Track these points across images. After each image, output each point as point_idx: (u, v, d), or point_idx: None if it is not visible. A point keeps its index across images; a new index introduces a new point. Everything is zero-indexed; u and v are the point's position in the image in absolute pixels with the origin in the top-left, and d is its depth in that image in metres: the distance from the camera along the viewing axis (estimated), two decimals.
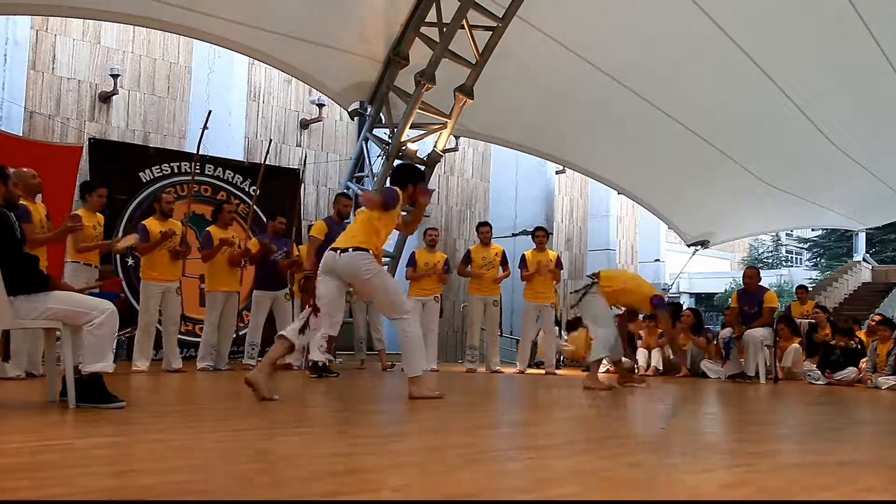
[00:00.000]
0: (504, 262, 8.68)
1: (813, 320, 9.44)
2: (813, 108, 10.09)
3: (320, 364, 6.42)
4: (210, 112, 7.93)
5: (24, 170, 5.47)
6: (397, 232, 6.01)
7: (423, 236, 8.91)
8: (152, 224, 6.83)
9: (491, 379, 7.58)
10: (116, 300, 4.55)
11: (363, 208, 4.75)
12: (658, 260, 20.00)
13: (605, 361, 9.61)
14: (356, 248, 4.53)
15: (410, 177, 4.91)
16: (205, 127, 7.59)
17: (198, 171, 9.16)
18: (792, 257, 35.78)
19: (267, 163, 8.58)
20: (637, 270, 17.95)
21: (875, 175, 11.86)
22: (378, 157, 10.08)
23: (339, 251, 4.56)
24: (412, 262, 8.39)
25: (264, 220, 8.96)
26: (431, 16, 8.98)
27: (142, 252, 6.90)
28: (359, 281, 4.61)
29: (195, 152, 7.92)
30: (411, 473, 2.36)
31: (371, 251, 4.59)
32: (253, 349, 7.71)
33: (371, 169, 10.13)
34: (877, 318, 8.80)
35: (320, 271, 4.65)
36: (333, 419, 4.09)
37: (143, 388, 5.44)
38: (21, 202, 5.20)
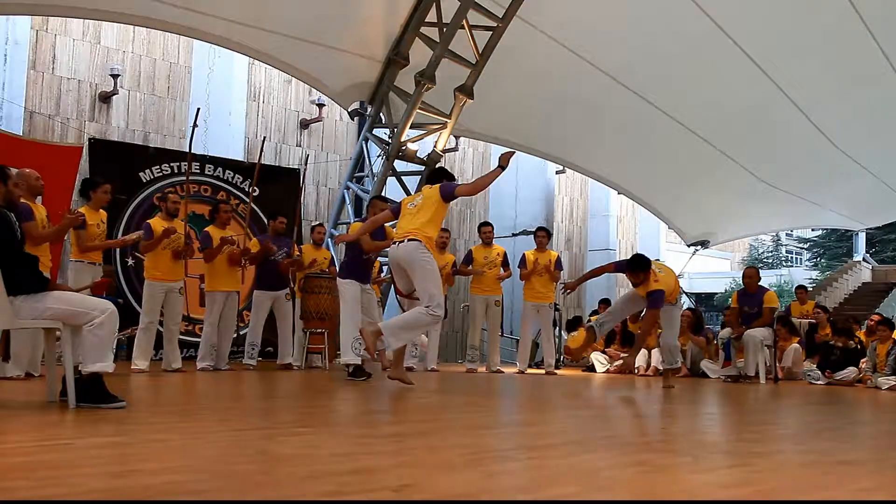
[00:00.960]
0: (505, 262, 8.69)
1: (813, 320, 9.45)
2: (813, 108, 10.09)
3: (352, 366, 6.34)
4: (199, 109, 7.89)
5: (27, 171, 5.53)
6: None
7: None
8: (157, 223, 6.84)
9: (491, 379, 7.58)
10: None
11: (430, 196, 5.40)
12: (658, 260, 19.98)
13: (600, 360, 9.66)
14: (411, 239, 5.22)
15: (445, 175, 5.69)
16: (195, 124, 7.56)
17: (197, 170, 9.17)
18: (792, 257, 35.78)
19: (267, 163, 8.57)
20: None
21: (875, 175, 11.86)
22: (378, 157, 10.08)
23: (397, 243, 5.27)
24: None
25: (264, 219, 8.96)
26: (431, 16, 8.98)
27: (144, 250, 6.90)
28: (411, 268, 5.26)
29: (188, 150, 7.90)
30: (411, 473, 2.36)
31: (424, 241, 5.22)
32: (253, 349, 7.71)
33: (371, 169, 10.13)
34: (876, 317, 8.81)
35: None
36: (333, 419, 4.09)
37: (143, 387, 5.44)
38: (22, 201, 5.22)
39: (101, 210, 6.48)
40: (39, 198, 5.72)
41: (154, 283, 6.81)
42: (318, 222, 10.15)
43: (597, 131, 11.02)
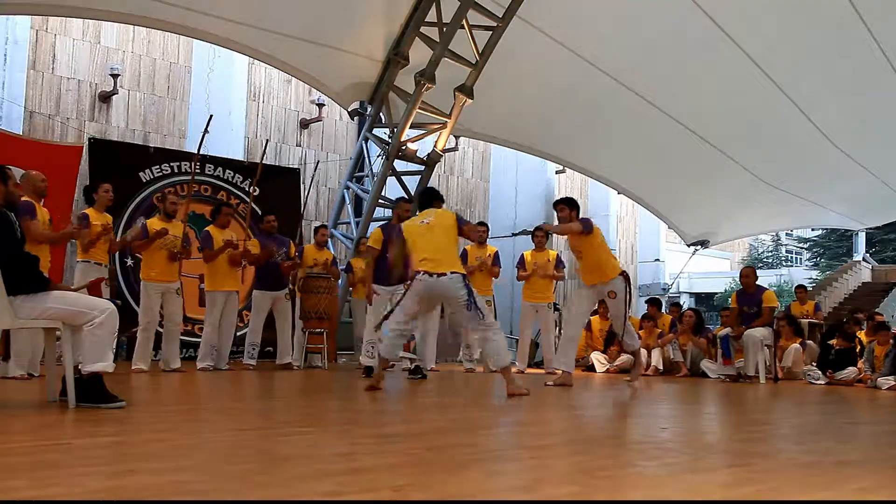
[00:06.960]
0: (495, 261, 8.64)
1: (815, 320, 9.45)
2: (813, 108, 10.09)
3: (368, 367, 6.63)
4: (211, 116, 7.91)
5: (33, 172, 5.57)
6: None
7: None
8: (153, 223, 6.84)
9: (490, 379, 7.57)
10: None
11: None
12: (658, 260, 19.98)
13: (600, 360, 9.66)
14: (453, 272, 5.05)
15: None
16: (205, 131, 7.57)
17: (197, 170, 9.16)
18: (792, 257, 35.82)
19: (267, 162, 8.57)
20: (637, 270, 17.96)
21: (875, 175, 11.86)
22: (378, 156, 10.08)
23: (435, 275, 4.99)
24: None
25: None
26: (431, 16, 8.98)
27: (137, 249, 6.88)
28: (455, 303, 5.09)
29: (196, 153, 7.90)
30: (411, 473, 2.36)
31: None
32: (253, 349, 7.70)
33: (371, 169, 10.13)
34: (877, 318, 8.81)
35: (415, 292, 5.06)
36: (333, 419, 4.09)
37: (143, 388, 5.43)
38: (25, 199, 5.23)
39: (105, 213, 6.50)
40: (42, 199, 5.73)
41: (150, 283, 6.79)
42: (319, 223, 10.15)
43: (597, 131, 11.02)
